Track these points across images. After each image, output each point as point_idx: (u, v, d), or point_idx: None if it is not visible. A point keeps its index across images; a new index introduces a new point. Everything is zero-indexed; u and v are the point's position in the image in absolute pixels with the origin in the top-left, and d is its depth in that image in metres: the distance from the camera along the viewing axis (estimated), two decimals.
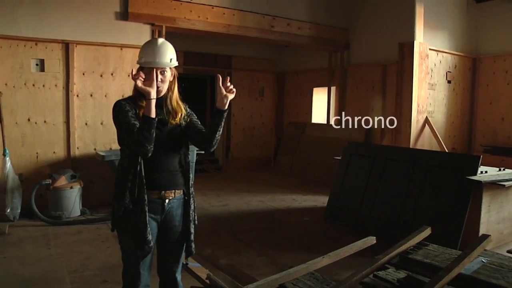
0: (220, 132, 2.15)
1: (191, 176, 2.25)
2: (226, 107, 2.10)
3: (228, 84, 2.08)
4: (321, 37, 7.54)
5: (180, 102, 2.23)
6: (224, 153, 9.13)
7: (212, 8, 6.36)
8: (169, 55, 2.16)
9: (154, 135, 2.01)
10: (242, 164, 9.22)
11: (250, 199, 6.43)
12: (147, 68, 2.12)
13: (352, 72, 7.86)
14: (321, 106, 8.87)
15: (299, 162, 8.57)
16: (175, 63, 2.20)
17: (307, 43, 7.49)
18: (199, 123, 2.28)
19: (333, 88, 8.27)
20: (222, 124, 2.13)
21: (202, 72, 8.97)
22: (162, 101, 2.19)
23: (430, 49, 6.75)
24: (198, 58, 8.52)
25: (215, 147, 2.19)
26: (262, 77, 9.41)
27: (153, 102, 1.99)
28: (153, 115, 1.98)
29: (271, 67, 9.55)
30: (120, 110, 2.10)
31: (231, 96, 2.08)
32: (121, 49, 5.81)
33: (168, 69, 2.16)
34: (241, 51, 9.04)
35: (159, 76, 2.13)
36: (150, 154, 2.04)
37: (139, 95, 2.10)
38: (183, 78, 2.34)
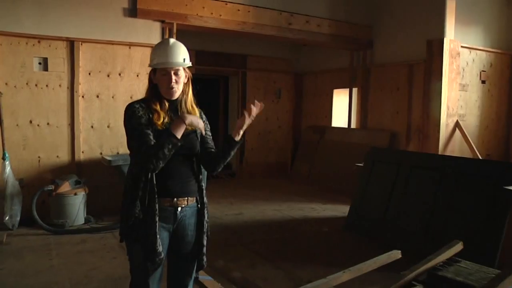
0: (228, 160, 2.23)
1: (204, 183, 2.27)
2: (240, 137, 2.18)
3: (256, 109, 2.15)
4: (342, 34, 7.49)
5: (194, 106, 2.26)
6: (238, 158, 9.08)
7: (226, 4, 6.35)
8: (182, 55, 2.19)
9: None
10: (257, 170, 9.20)
11: (266, 208, 6.43)
12: (160, 70, 2.16)
13: (375, 73, 7.79)
14: (341, 109, 8.86)
15: (318, 169, 8.56)
16: (188, 63, 2.22)
17: (327, 41, 7.43)
18: (211, 139, 2.32)
19: (354, 90, 8.22)
20: (233, 153, 2.21)
21: (215, 73, 8.97)
22: (176, 104, 2.21)
23: (462, 46, 6.63)
24: (211, 58, 8.53)
25: (217, 172, 2.26)
26: (279, 77, 9.39)
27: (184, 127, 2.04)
28: (180, 135, 2.02)
29: (288, 67, 9.52)
30: (133, 114, 2.11)
31: (248, 122, 2.15)
32: (130, 48, 5.82)
33: (182, 70, 2.19)
34: (257, 50, 9.02)
35: (173, 77, 2.15)
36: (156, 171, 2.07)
37: (154, 97, 2.15)
38: (195, 79, 2.32)
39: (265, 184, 8.41)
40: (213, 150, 2.28)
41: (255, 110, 2.14)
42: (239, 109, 8.94)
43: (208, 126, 2.36)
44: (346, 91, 8.49)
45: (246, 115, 2.14)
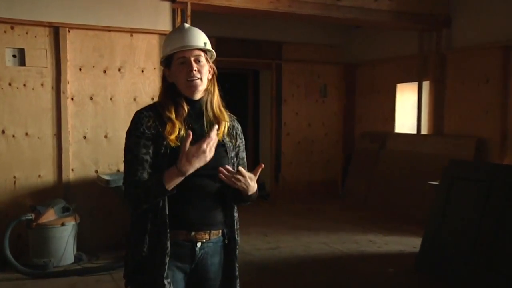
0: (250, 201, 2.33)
1: (236, 212, 2.33)
2: (252, 193, 2.24)
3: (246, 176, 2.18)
4: (408, 11, 7.41)
5: (224, 110, 2.32)
6: (272, 176, 9.09)
7: None
8: (202, 38, 2.25)
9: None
10: (298, 191, 9.16)
11: (310, 240, 6.43)
12: (176, 60, 2.21)
13: (454, 60, 7.68)
14: (408, 109, 8.81)
15: (378, 188, 8.55)
16: (210, 48, 2.28)
17: (388, 20, 7.37)
18: (244, 160, 2.39)
19: (425, 83, 8.17)
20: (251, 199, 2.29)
21: (241, 66, 9.02)
22: (199, 107, 2.26)
23: None
24: (236, 47, 8.57)
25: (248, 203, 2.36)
26: (324, 70, 9.35)
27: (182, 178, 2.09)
28: (171, 187, 2.07)
29: (336, 56, 9.50)
30: (134, 129, 2.17)
31: (245, 187, 2.19)
32: (131, 36, 5.84)
33: (204, 59, 2.24)
34: (295, 35, 9.03)
35: (194, 65, 2.19)
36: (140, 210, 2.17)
37: (170, 100, 2.21)
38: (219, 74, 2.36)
39: (309, 209, 8.43)
40: None
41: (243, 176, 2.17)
42: (274, 113, 9.00)
43: (243, 141, 2.42)
44: (414, 85, 8.42)
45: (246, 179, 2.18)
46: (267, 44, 8.89)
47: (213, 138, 2.04)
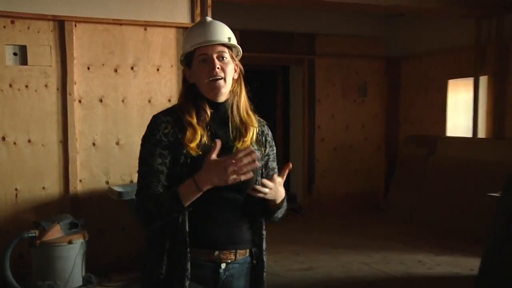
0: (283, 212, 2.32)
1: (264, 230, 2.34)
2: (278, 202, 2.22)
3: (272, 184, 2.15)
4: None
5: (251, 114, 2.33)
6: (305, 187, 9.06)
7: None
8: (226, 33, 2.27)
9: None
10: (334, 204, 9.12)
11: (348, 260, 6.41)
12: (198, 57, 2.22)
13: None
14: (461, 109, 8.74)
15: (427, 200, 8.45)
16: (236, 43, 2.29)
17: (438, 6, 7.33)
18: (275, 170, 2.38)
19: (483, 79, 8.10)
20: (283, 210, 2.29)
21: (269, 62, 9.02)
22: (224, 110, 2.27)
23: None
24: (263, 41, 8.57)
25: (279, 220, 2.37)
26: (364, 66, 9.31)
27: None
28: (187, 202, 2.07)
29: (377, 49, 9.44)
30: (149, 136, 2.20)
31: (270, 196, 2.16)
32: (145, 29, 5.87)
33: (229, 56, 2.25)
34: (330, 26, 9.01)
35: (217, 62, 2.20)
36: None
37: (190, 103, 2.23)
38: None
39: (347, 224, 8.40)
40: None
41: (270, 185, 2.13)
42: (306, 115, 8.97)
43: (274, 149, 2.42)
44: (469, 81, 8.33)
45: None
46: (298, 37, 8.84)
47: (245, 156, 1.96)
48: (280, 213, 2.28)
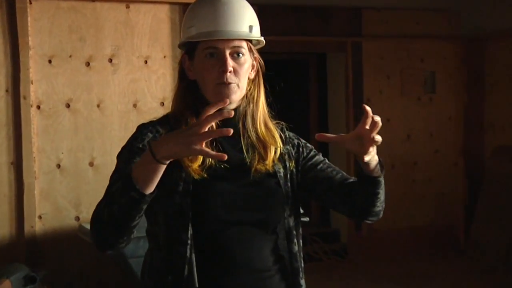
0: (383, 198, 2.39)
1: (303, 279, 2.37)
2: (375, 167, 2.27)
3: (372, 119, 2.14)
4: None
5: (271, 125, 2.40)
6: (350, 220, 8.98)
7: None
8: (247, 19, 2.30)
9: (136, 219, 2.06)
10: (392, 243, 8.99)
11: None
12: (203, 49, 2.24)
13: None
14: None
15: None
16: (258, 35, 2.34)
17: None
18: (325, 162, 2.48)
19: None
20: (382, 192, 2.35)
21: (299, 48, 9.07)
22: (234, 121, 2.28)
23: None
24: (290, 19, 8.59)
25: (379, 217, 2.47)
26: (431, 50, 9.14)
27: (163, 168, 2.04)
28: (148, 188, 2.02)
29: (449, 27, 9.36)
30: (129, 144, 2.27)
31: (372, 152, 2.21)
32: (127, 7, 5.96)
33: (246, 49, 2.29)
34: None
35: (229, 61, 2.22)
36: (110, 252, 2.28)
37: (189, 109, 2.29)
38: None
39: (410, 272, 8.17)
40: (347, 176, 2.44)
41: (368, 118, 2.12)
42: (350, 120, 8.94)
43: (304, 142, 2.50)
44: None
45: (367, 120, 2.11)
46: (337, 13, 8.70)
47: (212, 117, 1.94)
48: (382, 195, 2.36)
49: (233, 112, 1.96)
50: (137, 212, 2.04)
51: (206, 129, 1.91)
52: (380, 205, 2.40)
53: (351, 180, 2.40)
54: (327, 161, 2.48)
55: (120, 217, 2.04)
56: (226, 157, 1.94)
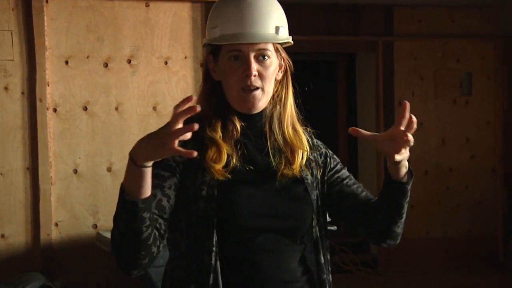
0: (405, 216, 2.34)
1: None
2: (404, 174, 2.23)
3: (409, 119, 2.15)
4: None
5: (299, 129, 2.39)
6: None
7: None
8: (273, 20, 2.28)
9: (143, 231, 2.04)
10: (425, 255, 8.90)
11: None
12: (227, 51, 2.24)
13: None
14: None
15: None
16: (286, 36, 2.32)
17: None
18: (350, 177, 2.48)
19: None
20: (406, 206, 2.30)
21: (326, 47, 9.07)
22: (259, 123, 2.34)
23: None
24: (317, 17, 8.59)
25: (397, 241, 2.43)
26: (467, 49, 9.08)
27: (149, 172, 2.02)
28: (141, 195, 2.01)
29: (487, 25, 9.27)
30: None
31: (405, 154, 2.16)
32: (147, 6, 6.01)
33: (272, 52, 2.28)
34: None
35: (253, 65, 2.22)
36: (136, 273, 2.16)
37: (214, 112, 2.29)
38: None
39: (444, 286, 8.22)
40: (369, 196, 2.46)
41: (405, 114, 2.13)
42: (381, 123, 8.89)
43: (332, 153, 2.50)
44: None
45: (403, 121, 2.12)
46: (368, 11, 8.74)
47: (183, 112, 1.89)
48: (405, 211, 2.32)
49: (199, 107, 1.89)
50: (140, 223, 2.02)
51: (178, 127, 1.88)
52: (401, 225, 2.37)
53: (375, 199, 2.39)
54: (352, 176, 2.48)
55: (126, 232, 2.04)
56: (195, 154, 1.89)
